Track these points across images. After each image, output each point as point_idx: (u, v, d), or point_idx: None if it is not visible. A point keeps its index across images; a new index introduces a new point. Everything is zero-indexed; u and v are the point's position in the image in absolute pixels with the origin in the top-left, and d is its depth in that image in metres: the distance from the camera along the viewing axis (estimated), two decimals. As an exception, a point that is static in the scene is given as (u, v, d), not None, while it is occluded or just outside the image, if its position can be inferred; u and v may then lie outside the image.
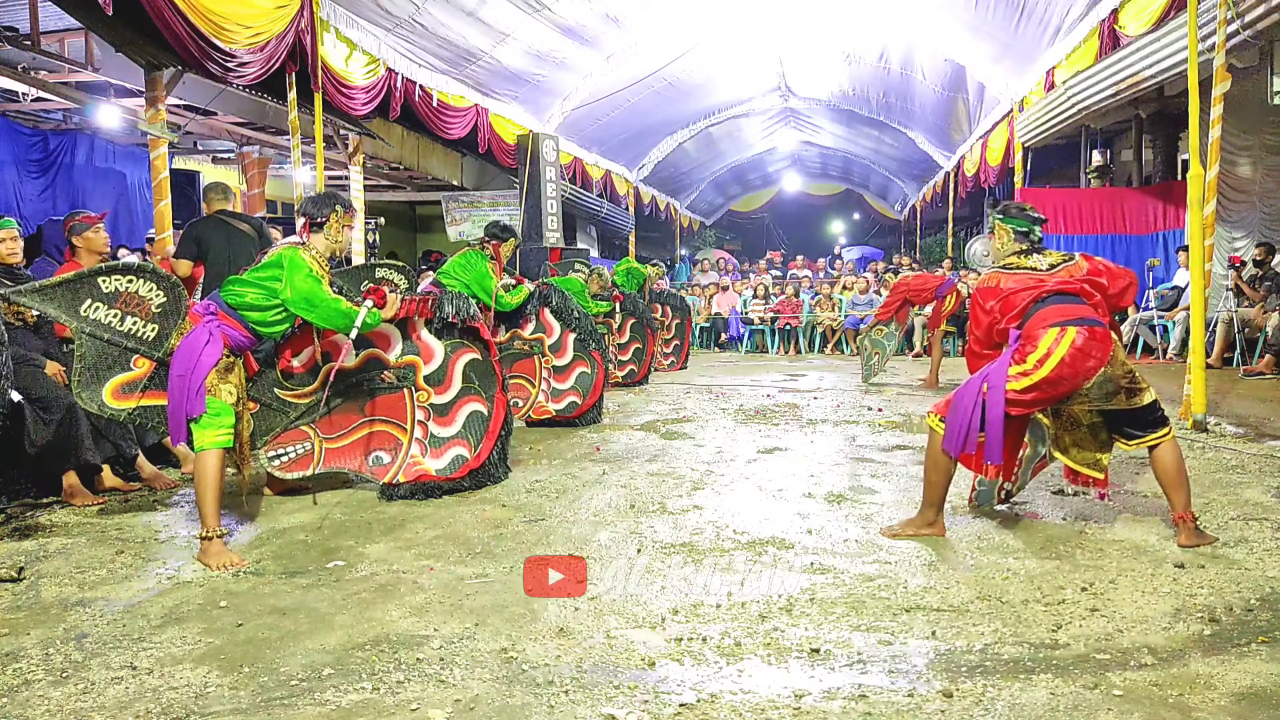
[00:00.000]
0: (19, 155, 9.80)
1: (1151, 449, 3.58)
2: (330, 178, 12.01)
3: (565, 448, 5.81)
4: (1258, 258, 9.19)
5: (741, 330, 14.82)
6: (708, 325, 15.35)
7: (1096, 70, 8.65)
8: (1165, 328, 10.14)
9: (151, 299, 3.55)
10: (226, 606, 3.00)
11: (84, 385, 3.46)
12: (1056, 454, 3.85)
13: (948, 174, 16.96)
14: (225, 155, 12.77)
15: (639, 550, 3.55)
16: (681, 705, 2.28)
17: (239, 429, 3.73)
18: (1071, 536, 3.67)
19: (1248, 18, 6.09)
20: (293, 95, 8.02)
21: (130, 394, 3.55)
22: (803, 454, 5.56)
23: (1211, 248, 6.30)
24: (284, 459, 4.32)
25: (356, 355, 4.42)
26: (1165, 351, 10.00)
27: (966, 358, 3.96)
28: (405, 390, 4.51)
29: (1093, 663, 2.50)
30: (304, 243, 3.89)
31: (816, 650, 2.60)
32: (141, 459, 4.84)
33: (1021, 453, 3.93)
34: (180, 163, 12.33)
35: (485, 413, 4.62)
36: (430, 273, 7.74)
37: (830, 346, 14.22)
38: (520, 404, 6.59)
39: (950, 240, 18.53)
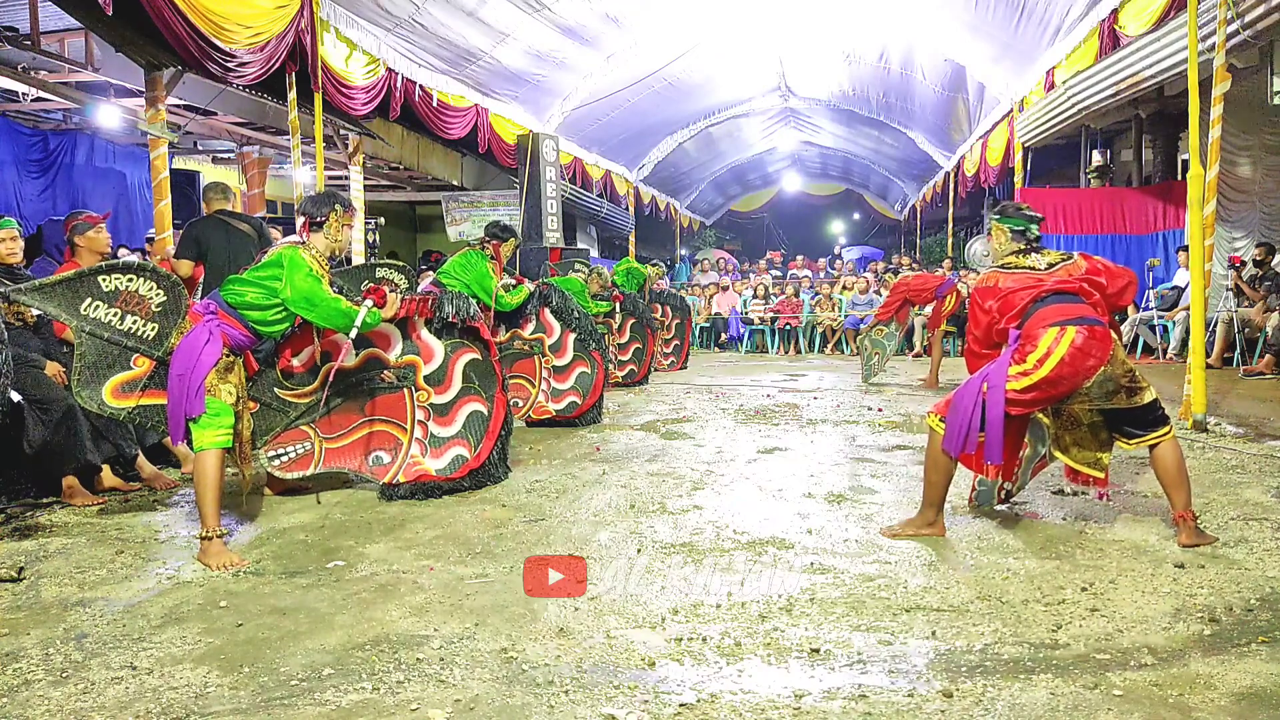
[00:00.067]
0: (19, 155, 9.80)
1: (1152, 448, 3.58)
2: (330, 178, 12.02)
3: (565, 448, 5.81)
4: (1258, 258, 9.19)
5: (741, 330, 14.83)
6: (708, 325, 15.36)
7: (1096, 70, 8.65)
8: (1165, 328, 10.14)
9: (151, 298, 3.55)
10: (226, 606, 3.00)
11: (84, 384, 3.46)
12: (1057, 453, 3.85)
13: (948, 174, 16.96)
14: (225, 155, 12.77)
15: (639, 550, 3.55)
16: (681, 705, 2.28)
17: (239, 429, 3.73)
18: (1071, 536, 3.67)
19: (1248, 18, 6.10)
20: (293, 95, 8.02)
21: (130, 393, 3.55)
22: (803, 454, 5.56)
23: (1211, 248, 6.30)
24: (284, 459, 4.32)
25: (356, 355, 4.42)
26: (1165, 351, 10.00)
27: (965, 358, 3.96)
28: (405, 390, 4.51)
29: (1093, 663, 2.50)
30: (304, 242, 3.89)
31: (816, 650, 2.60)
32: (141, 459, 4.84)
33: (1021, 452, 3.93)
34: (180, 163, 12.34)
35: (485, 413, 4.62)
36: (430, 273, 7.74)
37: (830, 346, 14.22)
38: (520, 404, 6.59)
39: (950, 240, 18.53)
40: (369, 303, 4.01)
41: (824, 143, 21.82)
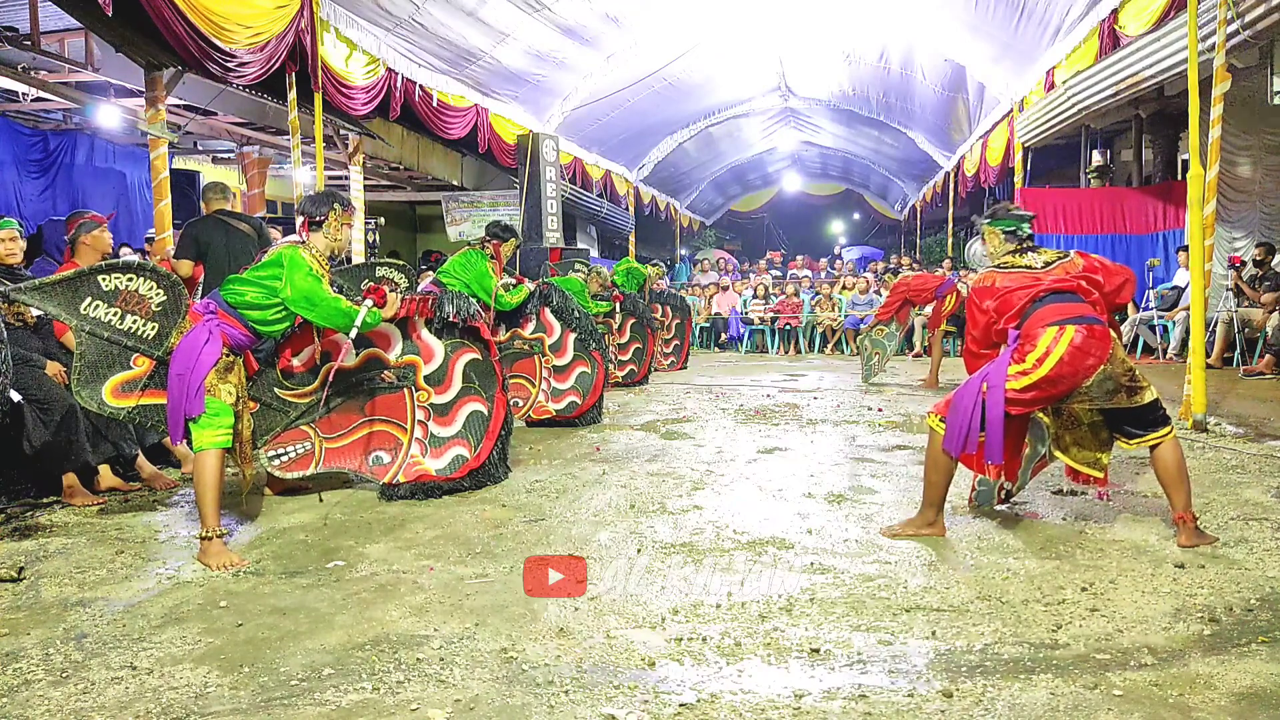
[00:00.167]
0: (19, 155, 9.80)
1: (1152, 448, 3.58)
2: (330, 178, 12.02)
3: (565, 448, 5.81)
4: (1258, 258, 9.19)
5: (741, 330, 14.83)
6: (708, 325, 15.35)
7: (1096, 70, 8.65)
8: (1165, 328, 10.14)
9: (151, 297, 3.55)
10: (226, 606, 3.00)
11: (84, 383, 3.46)
12: (1057, 453, 3.85)
13: (948, 174, 16.96)
14: (225, 155, 12.77)
15: (639, 550, 3.55)
16: (681, 705, 2.28)
17: (239, 429, 3.73)
18: (1071, 536, 3.67)
19: (1248, 18, 6.10)
20: (293, 95, 8.02)
21: (130, 392, 3.55)
22: (803, 454, 5.56)
23: (1211, 248, 6.30)
24: (284, 459, 4.32)
25: (356, 355, 4.42)
26: (1165, 351, 10.01)
27: (964, 358, 3.96)
28: (405, 390, 4.51)
29: (1093, 663, 2.50)
30: (304, 241, 3.89)
31: (816, 650, 2.60)
32: (141, 459, 4.84)
33: (1022, 452, 3.92)
34: (180, 163, 12.33)
35: (485, 413, 4.62)
36: (430, 272, 7.74)
37: (830, 346, 14.22)
38: (520, 404, 6.59)
39: (950, 240, 18.53)
40: (369, 302, 4.01)
41: (824, 143, 21.82)
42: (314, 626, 2.80)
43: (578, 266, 9.53)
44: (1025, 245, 3.74)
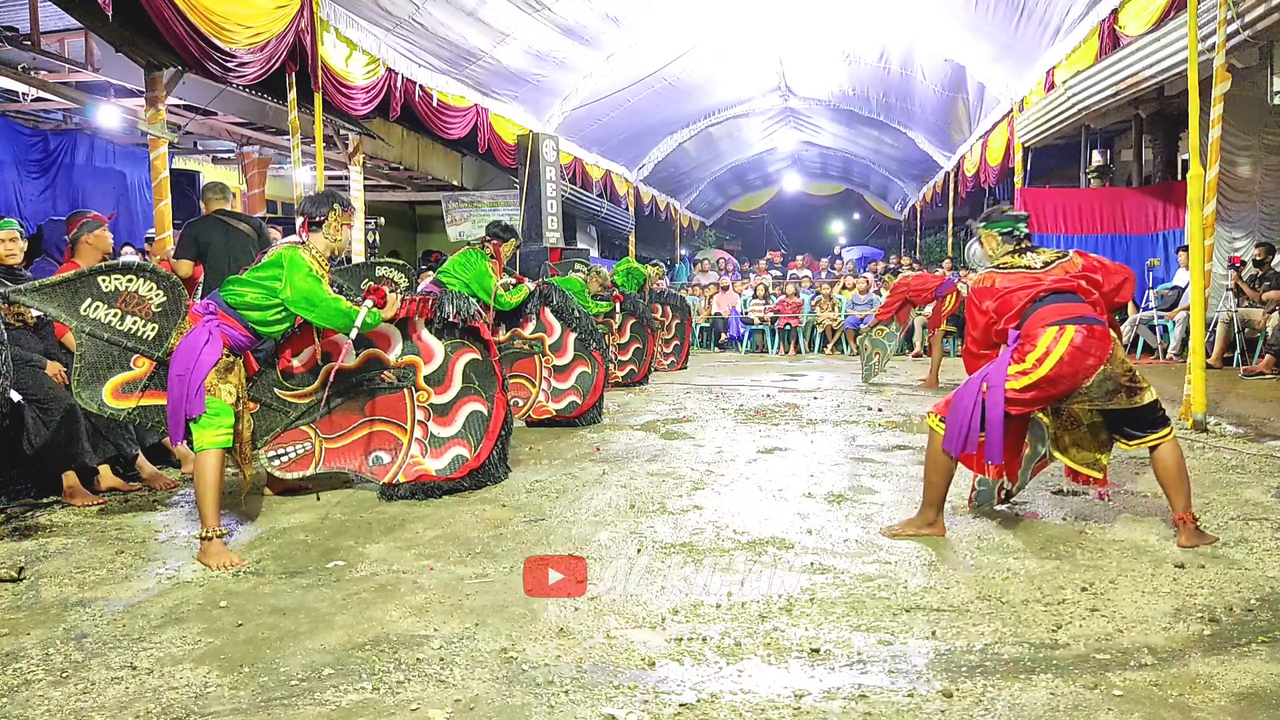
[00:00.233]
0: (19, 155, 9.80)
1: (1152, 449, 3.58)
2: (330, 178, 12.01)
3: (565, 448, 5.81)
4: (1258, 258, 9.19)
5: (741, 330, 14.83)
6: (708, 325, 15.36)
7: (1096, 70, 8.65)
8: (1165, 328, 10.14)
9: (151, 298, 3.55)
10: (226, 606, 3.00)
11: (84, 384, 3.46)
12: (1056, 453, 3.85)
13: (948, 174, 16.96)
14: (225, 155, 12.77)
15: (639, 550, 3.55)
16: (681, 705, 2.28)
17: (239, 429, 3.73)
18: (1071, 536, 3.67)
19: (1248, 18, 6.10)
20: (293, 95, 8.02)
21: (130, 393, 3.55)
22: (803, 454, 5.56)
23: (1211, 248, 6.30)
24: (284, 459, 4.32)
25: (356, 355, 4.42)
26: (1165, 351, 10.01)
27: (964, 358, 3.96)
28: (405, 390, 4.51)
29: (1093, 663, 2.50)
30: (303, 242, 3.90)
31: (816, 650, 2.60)
32: (141, 459, 4.84)
33: (1022, 452, 3.92)
34: (180, 163, 12.33)
35: (485, 413, 4.62)
36: (430, 272, 7.74)
37: (830, 346, 14.22)
38: (520, 404, 6.59)
39: (950, 240, 18.52)
40: (369, 303, 4.01)
41: (824, 143, 21.82)
42: (314, 626, 2.80)
43: (578, 266, 9.53)
44: (1024, 245, 3.74)
